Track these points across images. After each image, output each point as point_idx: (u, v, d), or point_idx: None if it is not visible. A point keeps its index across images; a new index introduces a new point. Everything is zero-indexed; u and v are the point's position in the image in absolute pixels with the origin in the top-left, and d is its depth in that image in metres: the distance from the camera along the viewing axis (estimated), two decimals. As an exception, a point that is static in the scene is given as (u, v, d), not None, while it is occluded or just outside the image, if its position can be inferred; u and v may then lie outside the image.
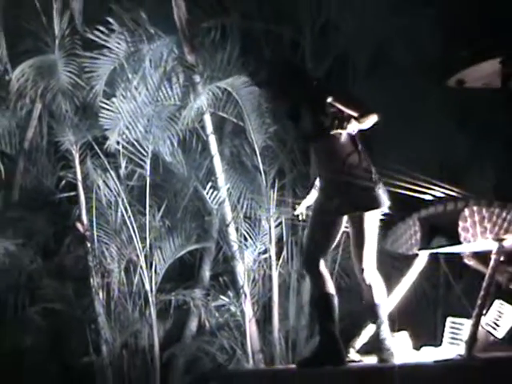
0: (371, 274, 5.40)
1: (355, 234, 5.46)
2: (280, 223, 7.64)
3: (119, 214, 7.90)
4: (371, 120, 5.14)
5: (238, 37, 8.23)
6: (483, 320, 5.76)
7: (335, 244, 5.53)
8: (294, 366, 6.43)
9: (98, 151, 8.03)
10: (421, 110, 7.44)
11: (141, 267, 7.75)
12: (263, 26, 8.49)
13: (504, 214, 5.53)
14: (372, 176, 5.43)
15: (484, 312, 5.70)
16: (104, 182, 7.94)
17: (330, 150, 5.43)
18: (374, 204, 5.42)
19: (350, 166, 5.42)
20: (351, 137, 5.50)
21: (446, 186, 5.65)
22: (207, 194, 7.73)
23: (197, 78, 7.77)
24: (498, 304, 6.01)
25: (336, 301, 5.35)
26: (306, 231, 5.69)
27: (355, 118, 5.07)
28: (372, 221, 5.43)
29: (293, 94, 5.51)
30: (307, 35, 8.31)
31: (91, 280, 8.02)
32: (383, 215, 5.52)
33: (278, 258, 7.61)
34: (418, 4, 6.83)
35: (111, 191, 7.94)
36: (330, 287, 5.39)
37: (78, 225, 8.21)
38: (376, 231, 5.47)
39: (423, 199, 5.64)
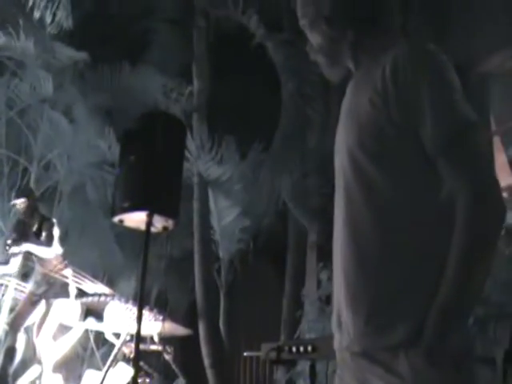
0: (45, 342, 5.84)
1: (44, 314, 5.88)
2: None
3: None
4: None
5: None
6: (109, 373, 6.28)
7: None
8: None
9: None
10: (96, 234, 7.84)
11: None
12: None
13: (133, 309, 6.14)
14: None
15: (111, 369, 6.22)
16: None
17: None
18: (64, 295, 5.90)
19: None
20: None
21: (103, 286, 6.17)
22: None
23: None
24: (120, 364, 6.55)
25: (16, 353, 5.77)
26: None
27: None
28: (60, 306, 5.88)
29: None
30: (35, 166, 8.48)
31: None
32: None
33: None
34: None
35: None
36: (19, 345, 5.80)
37: None
38: (62, 314, 5.92)
39: (86, 292, 6.08)
